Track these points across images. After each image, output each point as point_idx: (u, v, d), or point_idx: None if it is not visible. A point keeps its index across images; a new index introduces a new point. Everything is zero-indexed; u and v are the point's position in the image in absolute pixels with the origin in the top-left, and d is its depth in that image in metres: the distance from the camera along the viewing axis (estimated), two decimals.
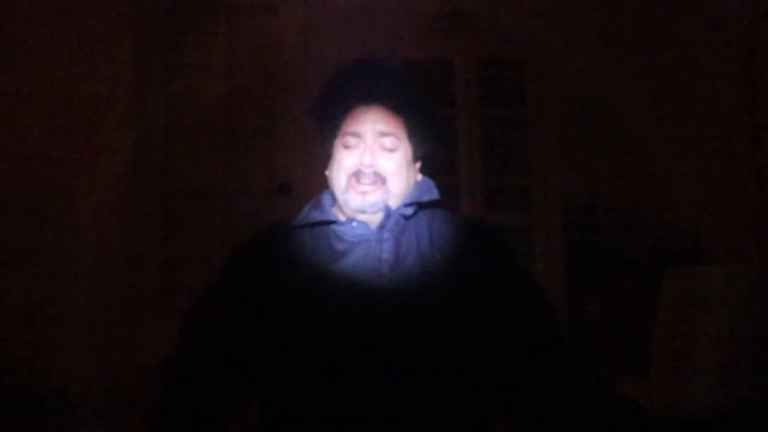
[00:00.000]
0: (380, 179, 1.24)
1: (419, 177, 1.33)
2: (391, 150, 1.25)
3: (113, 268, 2.76)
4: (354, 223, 1.25)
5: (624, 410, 2.20)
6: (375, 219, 1.25)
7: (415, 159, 1.31)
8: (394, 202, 1.26)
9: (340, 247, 1.24)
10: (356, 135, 1.26)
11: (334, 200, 1.31)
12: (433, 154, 1.36)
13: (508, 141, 3.11)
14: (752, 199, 2.88)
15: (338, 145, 1.28)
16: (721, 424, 1.96)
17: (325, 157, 1.33)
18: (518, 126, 3.12)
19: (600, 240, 3.00)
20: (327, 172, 1.31)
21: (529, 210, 3.05)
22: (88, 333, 2.69)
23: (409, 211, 1.27)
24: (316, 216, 1.28)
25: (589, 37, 3.00)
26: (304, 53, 2.95)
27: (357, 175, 1.24)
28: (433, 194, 1.32)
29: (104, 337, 2.70)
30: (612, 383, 2.44)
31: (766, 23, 2.75)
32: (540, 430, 1.19)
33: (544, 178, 3.04)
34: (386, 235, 1.23)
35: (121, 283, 2.77)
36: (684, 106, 2.98)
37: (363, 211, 1.24)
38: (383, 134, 1.25)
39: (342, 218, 1.27)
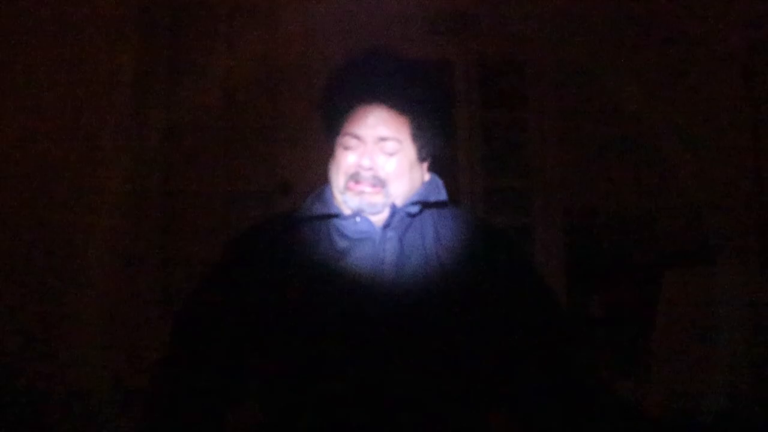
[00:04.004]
0: (380, 182, 1.20)
1: (427, 176, 1.29)
2: (392, 154, 1.21)
3: (114, 269, 2.76)
4: (358, 218, 1.21)
5: (626, 412, 2.20)
6: (380, 216, 1.23)
7: (421, 159, 1.26)
8: (399, 201, 1.23)
9: (341, 244, 1.22)
10: (356, 137, 1.22)
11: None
12: (439, 153, 1.31)
13: (509, 142, 3.11)
14: (753, 200, 2.87)
15: (338, 144, 1.25)
16: (723, 425, 1.96)
17: (327, 154, 1.29)
18: (518, 127, 3.12)
19: (600, 241, 2.99)
20: (329, 167, 1.27)
21: (529, 211, 3.05)
22: (88, 334, 2.68)
23: (415, 209, 1.24)
24: (319, 209, 1.26)
25: (589, 39, 3.00)
26: (304, 54, 2.95)
27: (355, 176, 1.21)
28: (441, 194, 1.28)
29: (104, 338, 2.70)
30: (611, 385, 2.44)
31: (766, 23, 2.74)
32: (541, 430, 1.18)
33: (544, 179, 3.04)
34: (390, 234, 1.20)
35: (122, 283, 2.77)
36: (684, 107, 2.97)
37: (362, 211, 1.21)
38: (383, 139, 1.21)
39: (347, 212, 1.24)
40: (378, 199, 1.21)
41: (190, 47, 3.00)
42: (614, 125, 3.01)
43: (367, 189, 1.20)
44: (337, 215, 1.24)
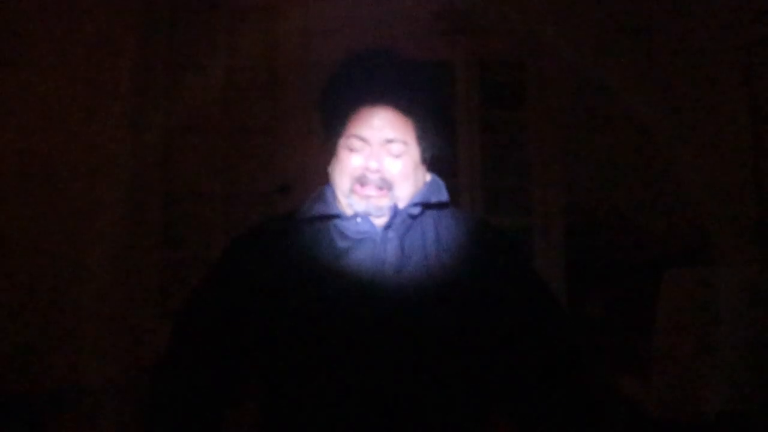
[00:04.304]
0: (386, 185, 1.20)
1: (428, 177, 1.29)
2: (398, 156, 1.21)
3: (114, 270, 2.76)
4: (359, 219, 1.21)
5: (627, 412, 2.20)
6: (381, 216, 1.22)
7: (424, 161, 1.26)
8: (402, 203, 1.22)
9: (341, 244, 1.21)
10: (361, 139, 1.20)
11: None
12: (441, 154, 1.30)
13: (508, 142, 3.11)
14: (753, 200, 2.87)
15: (342, 145, 1.23)
16: (723, 425, 1.96)
17: (327, 155, 1.27)
18: (518, 127, 3.12)
19: (600, 241, 2.99)
20: (329, 169, 1.26)
21: (529, 211, 3.05)
22: (88, 335, 2.69)
23: (416, 210, 1.23)
24: (320, 209, 1.24)
25: (589, 39, 3.00)
26: (304, 54, 2.95)
27: (361, 179, 1.20)
28: (442, 195, 1.28)
29: (104, 338, 2.70)
30: (614, 385, 2.44)
31: (766, 23, 2.74)
32: (545, 431, 1.18)
33: (544, 180, 3.04)
34: (391, 234, 1.20)
35: (122, 284, 2.77)
36: (684, 107, 2.98)
37: (368, 214, 1.21)
38: (389, 141, 1.20)
39: (348, 212, 1.23)
40: (384, 202, 1.20)
41: (190, 47, 3.00)
42: (614, 125, 3.01)
43: (374, 192, 1.20)
44: (338, 216, 1.23)
